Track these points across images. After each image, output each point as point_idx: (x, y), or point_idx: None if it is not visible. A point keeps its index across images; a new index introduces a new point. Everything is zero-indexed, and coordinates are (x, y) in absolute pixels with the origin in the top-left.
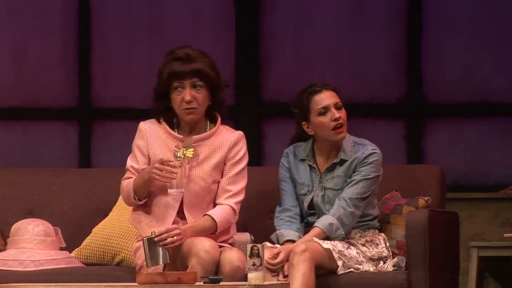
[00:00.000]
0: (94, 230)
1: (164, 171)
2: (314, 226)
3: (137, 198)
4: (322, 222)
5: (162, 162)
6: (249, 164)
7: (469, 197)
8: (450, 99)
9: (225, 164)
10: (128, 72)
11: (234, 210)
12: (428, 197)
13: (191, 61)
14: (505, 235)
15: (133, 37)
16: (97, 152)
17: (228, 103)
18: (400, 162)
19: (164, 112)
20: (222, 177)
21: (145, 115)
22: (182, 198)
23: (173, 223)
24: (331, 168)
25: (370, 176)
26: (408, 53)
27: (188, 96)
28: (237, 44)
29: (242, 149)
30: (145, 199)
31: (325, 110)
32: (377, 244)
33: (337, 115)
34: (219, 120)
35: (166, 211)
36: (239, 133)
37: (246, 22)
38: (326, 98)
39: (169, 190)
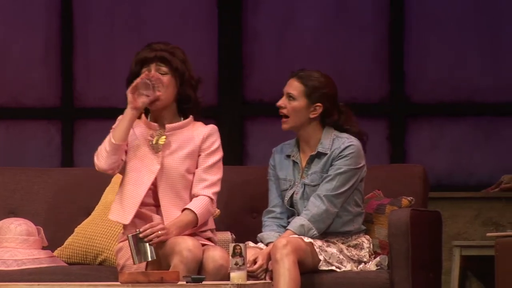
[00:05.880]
0: (77, 229)
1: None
2: (286, 229)
3: (114, 140)
4: (293, 225)
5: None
6: (232, 163)
7: (452, 197)
8: (432, 99)
9: (199, 155)
10: (110, 72)
11: (211, 199)
12: (411, 197)
13: (159, 50)
14: (488, 234)
15: (115, 36)
16: (80, 151)
17: (211, 102)
18: (383, 161)
19: None
20: (197, 168)
21: None
22: (157, 184)
23: (152, 219)
24: (310, 161)
25: (343, 170)
26: (391, 53)
27: (153, 71)
28: (220, 44)
29: (216, 141)
30: (123, 141)
31: (283, 96)
32: (361, 249)
33: (279, 102)
34: (191, 116)
35: (141, 180)
36: (213, 126)
37: (229, 22)
38: (286, 85)
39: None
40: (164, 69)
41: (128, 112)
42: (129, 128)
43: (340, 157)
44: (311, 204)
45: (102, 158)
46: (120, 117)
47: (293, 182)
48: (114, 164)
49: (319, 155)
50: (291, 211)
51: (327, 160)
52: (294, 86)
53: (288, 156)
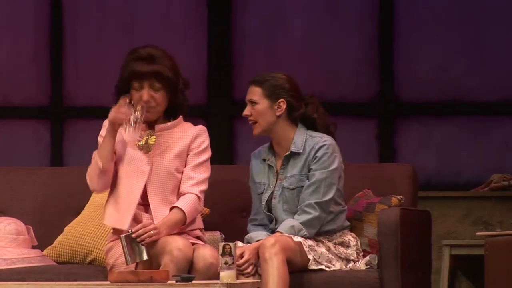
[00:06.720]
0: (66, 228)
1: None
2: (276, 231)
3: (101, 164)
4: (283, 226)
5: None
6: (221, 162)
7: (441, 196)
8: (421, 98)
9: (188, 154)
10: (100, 71)
11: (199, 197)
12: (401, 196)
13: (152, 62)
14: (477, 233)
15: (105, 36)
16: (69, 151)
17: (200, 102)
18: (372, 161)
19: None
20: (185, 167)
21: None
22: (147, 184)
23: (141, 219)
24: (285, 162)
25: (325, 175)
26: (380, 53)
27: (146, 96)
28: (209, 44)
29: (205, 141)
30: (111, 162)
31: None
32: (348, 246)
33: (244, 112)
34: (180, 117)
35: (134, 184)
36: (202, 126)
37: (218, 22)
38: (247, 94)
39: (124, 136)
40: (158, 85)
41: (110, 130)
42: (113, 146)
43: (316, 159)
44: (302, 213)
45: (94, 181)
46: (105, 122)
47: (267, 186)
48: (105, 185)
49: (293, 155)
50: (269, 216)
51: (304, 162)
52: (253, 92)
53: (264, 160)
